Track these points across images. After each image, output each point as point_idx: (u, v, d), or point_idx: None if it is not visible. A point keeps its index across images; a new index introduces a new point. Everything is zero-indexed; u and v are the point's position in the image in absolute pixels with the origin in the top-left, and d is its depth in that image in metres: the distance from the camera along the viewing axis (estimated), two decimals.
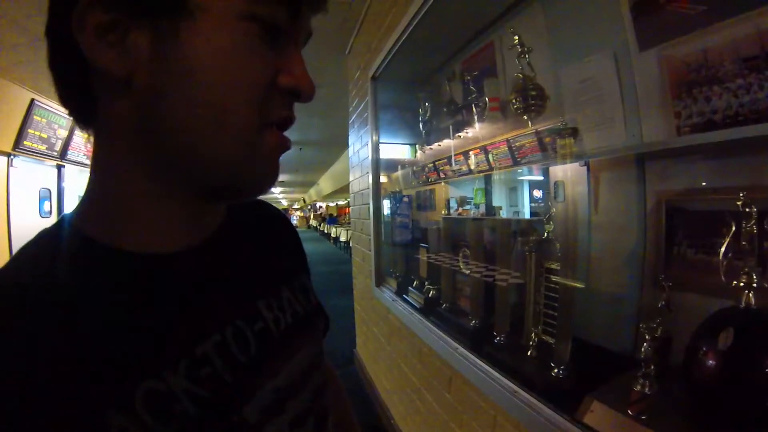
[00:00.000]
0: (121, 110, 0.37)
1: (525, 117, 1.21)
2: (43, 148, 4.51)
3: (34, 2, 2.43)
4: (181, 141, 0.37)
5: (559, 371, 1.12)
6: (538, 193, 1.73)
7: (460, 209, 2.49)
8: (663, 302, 0.94)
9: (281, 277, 0.53)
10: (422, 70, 2.39)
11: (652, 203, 1.09)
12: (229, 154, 0.38)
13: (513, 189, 2.00)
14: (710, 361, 0.75)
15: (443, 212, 2.32)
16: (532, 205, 1.78)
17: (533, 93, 1.19)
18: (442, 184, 2.42)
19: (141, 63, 0.35)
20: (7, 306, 0.33)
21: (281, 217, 0.64)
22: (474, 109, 1.66)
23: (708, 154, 0.96)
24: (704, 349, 0.77)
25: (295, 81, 0.40)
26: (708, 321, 0.81)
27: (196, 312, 0.40)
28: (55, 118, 4.58)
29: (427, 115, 2.23)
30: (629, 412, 0.87)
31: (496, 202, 2.04)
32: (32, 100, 4.03)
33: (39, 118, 4.26)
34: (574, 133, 1.07)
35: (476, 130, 1.76)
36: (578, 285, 1.12)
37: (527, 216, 1.81)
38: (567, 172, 1.14)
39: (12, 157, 4.09)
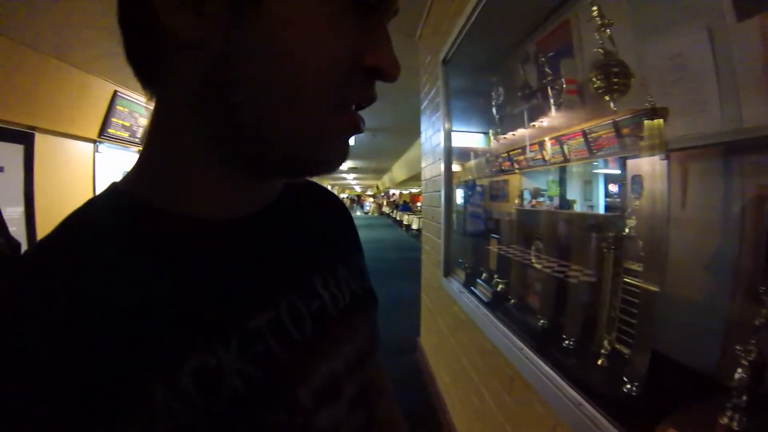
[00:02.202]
0: (188, 76, 0.35)
1: (606, 98, 1.07)
2: (125, 135, 4.96)
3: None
4: (249, 115, 0.34)
5: (632, 387, 0.99)
6: (614, 188, 1.57)
7: (534, 201, 2.36)
8: (762, 320, 0.78)
9: (337, 255, 0.51)
10: (494, 52, 2.25)
11: (752, 199, 0.92)
12: (298, 133, 0.35)
13: (588, 182, 1.86)
14: None
15: (516, 203, 2.20)
16: (608, 199, 1.62)
17: (615, 70, 1.04)
18: (516, 174, 2.29)
19: (216, 28, 0.32)
20: (52, 272, 0.31)
21: (334, 197, 0.62)
22: (550, 92, 1.52)
23: None
24: None
25: (380, 60, 0.36)
26: None
27: (250, 283, 0.38)
28: (136, 107, 5.02)
29: (500, 99, 2.10)
30: None
31: (570, 195, 1.90)
32: (115, 91, 4.41)
33: (122, 108, 4.67)
34: (664, 113, 0.92)
35: (551, 116, 1.62)
36: (654, 288, 0.98)
37: (602, 211, 1.65)
38: (648, 165, 0.99)
39: (98, 143, 4.53)
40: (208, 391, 0.31)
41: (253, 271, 0.39)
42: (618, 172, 1.43)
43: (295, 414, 0.37)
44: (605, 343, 1.13)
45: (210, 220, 0.38)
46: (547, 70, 1.60)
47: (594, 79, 1.07)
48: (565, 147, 1.51)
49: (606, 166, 1.54)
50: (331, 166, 0.38)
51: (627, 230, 1.08)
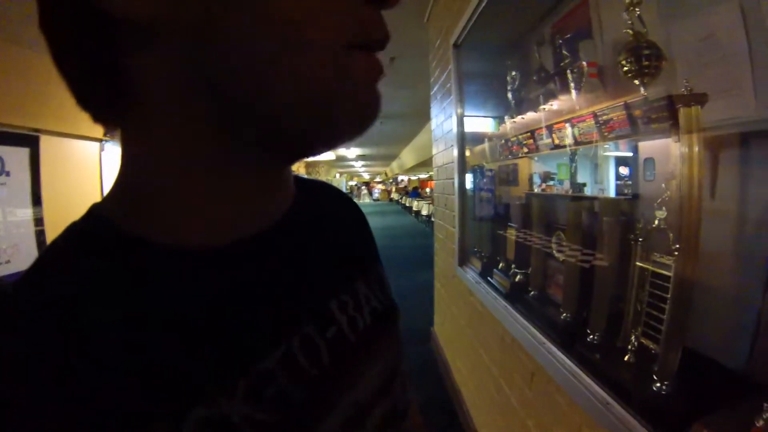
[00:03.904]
0: (159, 66, 0.29)
1: (636, 81, 1.00)
2: None
3: None
4: (252, 74, 0.27)
5: (662, 385, 0.95)
6: (624, 170, 1.51)
7: (544, 185, 2.31)
8: None
9: (356, 270, 0.45)
10: (508, 35, 2.16)
11: None
12: (318, 78, 0.28)
13: (597, 165, 1.79)
14: None
15: (527, 188, 2.16)
16: (618, 182, 1.56)
17: (647, 52, 0.98)
18: (525, 159, 2.24)
19: None
20: (32, 317, 0.27)
21: (348, 200, 0.55)
22: (570, 76, 1.46)
23: None
24: None
25: None
26: None
27: (257, 319, 0.33)
28: None
29: (516, 84, 2.03)
30: None
31: (580, 179, 1.82)
32: None
33: None
34: (702, 99, 0.86)
35: (566, 100, 1.56)
36: (688, 282, 0.93)
37: (612, 194, 1.60)
38: (678, 151, 0.93)
39: (104, 142, 4.52)
40: None
41: (261, 304, 0.34)
42: (630, 154, 1.38)
43: None
44: (633, 338, 1.08)
45: (205, 249, 0.32)
46: (564, 52, 1.53)
47: (623, 62, 1.01)
48: (576, 130, 1.45)
49: (617, 149, 1.48)
50: (367, 115, 0.32)
51: (657, 222, 1.02)
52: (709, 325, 1.00)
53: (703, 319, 0.99)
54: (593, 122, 1.30)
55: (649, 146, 1.28)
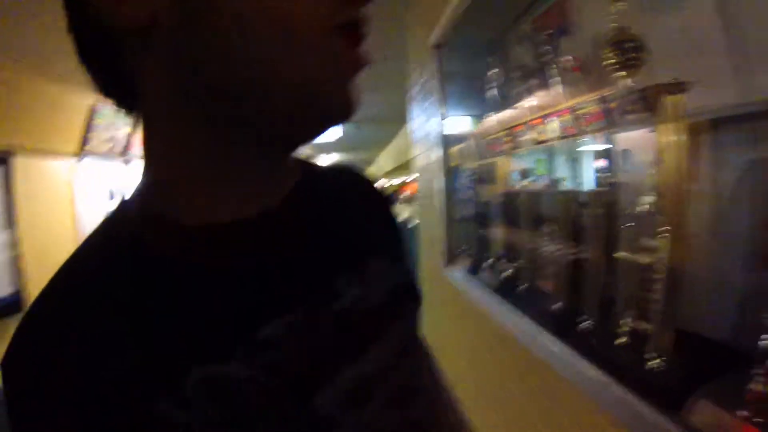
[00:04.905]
0: (158, 66, 0.33)
1: (622, 74, 1.04)
2: (107, 147, 4.83)
3: None
4: (243, 63, 0.30)
5: (658, 363, 0.98)
6: (603, 163, 1.57)
7: (524, 182, 2.35)
8: None
9: (369, 248, 0.46)
10: (489, 34, 2.21)
11: (763, 169, 0.92)
12: (303, 64, 0.31)
13: (576, 159, 1.84)
14: None
15: (507, 185, 2.19)
16: (597, 175, 1.62)
17: (630, 45, 1.02)
18: (504, 157, 2.28)
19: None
20: (83, 291, 0.34)
21: (367, 182, 0.56)
22: (553, 71, 1.50)
23: None
24: None
25: None
26: None
27: (264, 289, 0.36)
28: (116, 118, 4.87)
29: (498, 81, 2.07)
30: (745, 413, 0.74)
31: (559, 173, 1.92)
32: (93, 103, 4.28)
33: (101, 120, 4.52)
34: (685, 87, 0.91)
35: (549, 95, 1.60)
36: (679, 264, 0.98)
37: (591, 187, 1.66)
38: (666, 139, 0.97)
39: (79, 158, 4.40)
40: (217, 403, 0.31)
41: (267, 275, 0.37)
42: (610, 146, 1.45)
43: (317, 422, 0.35)
44: (626, 321, 1.12)
45: (218, 224, 0.36)
46: (546, 48, 1.57)
47: (608, 55, 1.05)
48: (554, 125, 1.49)
49: (593, 143, 1.54)
50: (349, 99, 0.35)
51: (646, 206, 1.06)
52: (694, 302, 1.05)
53: (688, 297, 1.04)
54: (570, 117, 1.34)
55: (624, 138, 1.34)
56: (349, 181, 0.55)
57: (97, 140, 4.56)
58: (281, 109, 0.33)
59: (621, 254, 1.16)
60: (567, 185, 1.82)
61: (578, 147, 1.69)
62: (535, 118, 1.77)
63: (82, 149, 4.35)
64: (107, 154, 4.89)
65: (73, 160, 4.31)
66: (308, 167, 0.47)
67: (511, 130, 2.09)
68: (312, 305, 0.38)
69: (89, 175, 4.63)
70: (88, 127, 4.33)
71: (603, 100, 1.15)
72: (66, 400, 0.30)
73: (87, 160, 4.52)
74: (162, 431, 0.30)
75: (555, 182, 1.88)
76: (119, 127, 4.95)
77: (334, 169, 0.54)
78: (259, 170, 0.38)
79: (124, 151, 5.26)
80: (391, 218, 0.55)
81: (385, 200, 0.56)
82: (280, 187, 0.41)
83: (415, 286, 0.51)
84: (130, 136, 5.24)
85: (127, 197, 0.39)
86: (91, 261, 0.36)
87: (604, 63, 1.08)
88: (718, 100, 0.98)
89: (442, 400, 0.61)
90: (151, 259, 0.34)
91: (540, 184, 2.12)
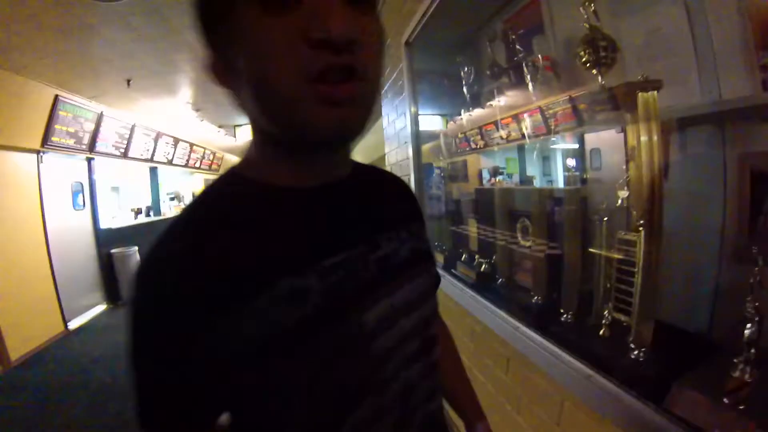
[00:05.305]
0: (241, 92, 0.49)
1: (595, 71, 1.07)
2: (71, 142, 4.58)
3: None
4: (261, 105, 0.46)
5: (639, 354, 1.01)
6: (571, 162, 1.61)
7: (494, 179, 2.38)
8: (757, 277, 0.80)
9: (401, 221, 0.63)
10: (461, 32, 2.22)
11: (734, 169, 0.96)
12: (286, 110, 0.44)
13: (546, 158, 1.88)
14: None
15: (478, 183, 2.22)
16: (566, 174, 1.66)
17: (603, 44, 1.05)
18: (474, 155, 2.31)
19: (232, 59, 0.46)
20: (206, 219, 0.49)
21: (401, 182, 0.75)
22: (525, 70, 1.52)
23: None
24: None
25: (320, 29, 0.41)
26: None
27: (329, 234, 0.52)
28: (80, 111, 4.60)
29: (471, 79, 2.08)
30: (725, 401, 0.77)
31: (529, 172, 1.94)
32: (56, 95, 4.07)
33: (65, 113, 4.32)
34: (657, 84, 0.94)
35: (520, 94, 1.63)
36: (655, 257, 1.00)
37: (561, 185, 1.70)
38: (645, 137, 1.00)
39: (41, 153, 4.20)
40: (297, 303, 0.46)
41: (331, 225, 0.53)
42: (576, 146, 1.47)
43: (360, 330, 0.50)
44: (605, 314, 1.15)
45: (296, 187, 0.52)
46: (518, 47, 1.59)
47: (582, 54, 1.07)
48: (524, 124, 1.52)
49: (563, 142, 1.57)
50: (325, 133, 0.45)
51: (620, 201, 1.09)
52: (671, 296, 1.09)
53: (665, 291, 1.07)
54: (540, 116, 1.37)
55: (594, 137, 1.38)
56: (388, 176, 0.74)
57: (60, 134, 4.32)
58: (288, 134, 0.47)
59: (594, 249, 1.19)
60: (536, 183, 1.85)
61: (550, 145, 1.72)
62: (506, 117, 1.80)
63: (45, 144, 4.13)
64: (71, 150, 4.65)
65: (35, 156, 4.11)
66: (358, 164, 0.64)
67: (481, 128, 2.12)
68: (361, 250, 0.54)
69: (53, 170, 4.43)
70: (51, 121, 4.11)
71: (574, 99, 1.18)
72: (205, 296, 0.43)
73: (50, 156, 4.30)
74: (259, 315, 0.44)
75: (526, 180, 1.91)
76: (84, 121, 4.71)
77: (378, 169, 0.71)
78: (317, 160, 0.53)
79: (90, 147, 5.02)
80: (417, 206, 0.72)
81: (412, 194, 0.75)
82: (337, 172, 0.57)
83: (431, 251, 0.69)
84: (95, 131, 4.99)
85: (233, 166, 0.55)
86: (213, 200, 0.51)
87: (579, 61, 1.10)
88: (685, 101, 1.02)
89: (459, 369, 0.84)
90: (256, 201, 0.51)
91: (510, 182, 2.15)
